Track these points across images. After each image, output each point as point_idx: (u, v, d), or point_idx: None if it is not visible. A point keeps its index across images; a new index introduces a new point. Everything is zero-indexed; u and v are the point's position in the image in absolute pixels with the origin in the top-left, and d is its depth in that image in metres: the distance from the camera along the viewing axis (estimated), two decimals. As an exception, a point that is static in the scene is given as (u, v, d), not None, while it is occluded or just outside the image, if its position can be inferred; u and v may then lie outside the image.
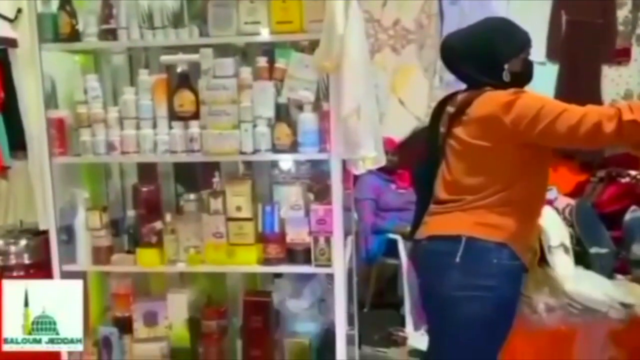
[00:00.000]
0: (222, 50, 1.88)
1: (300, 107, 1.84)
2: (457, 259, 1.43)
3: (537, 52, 3.09)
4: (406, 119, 3.30)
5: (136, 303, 2.02)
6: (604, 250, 1.72)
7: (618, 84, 3.07)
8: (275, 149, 1.85)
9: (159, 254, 1.93)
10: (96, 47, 1.96)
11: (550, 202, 1.84)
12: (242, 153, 1.85)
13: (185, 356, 1.95)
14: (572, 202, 1.85)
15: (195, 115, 1.85)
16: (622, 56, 3.03)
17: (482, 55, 1.48)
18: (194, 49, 1.86)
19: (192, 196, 2.00)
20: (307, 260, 1.86)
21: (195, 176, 2.23)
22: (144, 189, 1.99)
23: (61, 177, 1.98)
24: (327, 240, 1.84)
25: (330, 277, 1.89)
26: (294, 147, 1.84)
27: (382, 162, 1.88)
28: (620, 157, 2.89)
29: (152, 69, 1.95)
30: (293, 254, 1.88)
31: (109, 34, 1.88)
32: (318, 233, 1.84)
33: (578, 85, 3.03)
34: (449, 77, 3.16)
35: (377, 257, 3.08)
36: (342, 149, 1.78)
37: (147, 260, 1.93)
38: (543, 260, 1.74)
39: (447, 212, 1.49)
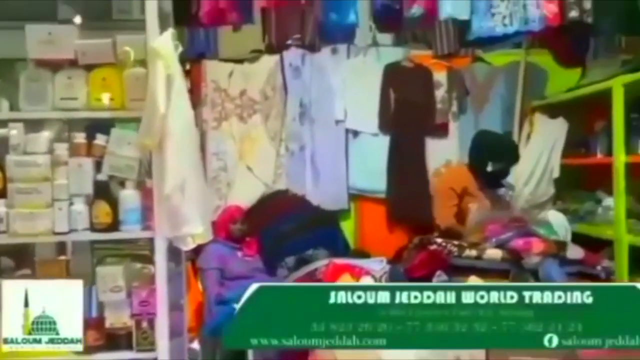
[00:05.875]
0: (36, 125, 1.79)
1: (122, 184, 1.80)
2: None
3: (371, 124, 3.40)
4: (254, 185, 3.36)
5: None
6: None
7: (440, 155, 3.45)
8: (93, 228, 1.76)
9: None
10: None
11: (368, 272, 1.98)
12: (56, 233, 1.73)
13: None
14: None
15: (2, 194, 1.72)
16: (441, 130, 3.44)
17: None
18: (4, 123, 1.75)
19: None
20: (129, 345, 1.77)
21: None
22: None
23: None
24: (151, 323, 1.77)
25: (154, 361, 1.80)
26: (114, 226, 1.77)
27: (210, 236, 1.90)
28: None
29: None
30: (113, 339, 1.77)
31: None
32: (140, 316, 1.77)
33: (406, 154, 3.36)
34: (294, 146, 3.36)
35: (223, 329, 2.99)
36: (166, 227, 1.76)
37: None
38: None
39: None
